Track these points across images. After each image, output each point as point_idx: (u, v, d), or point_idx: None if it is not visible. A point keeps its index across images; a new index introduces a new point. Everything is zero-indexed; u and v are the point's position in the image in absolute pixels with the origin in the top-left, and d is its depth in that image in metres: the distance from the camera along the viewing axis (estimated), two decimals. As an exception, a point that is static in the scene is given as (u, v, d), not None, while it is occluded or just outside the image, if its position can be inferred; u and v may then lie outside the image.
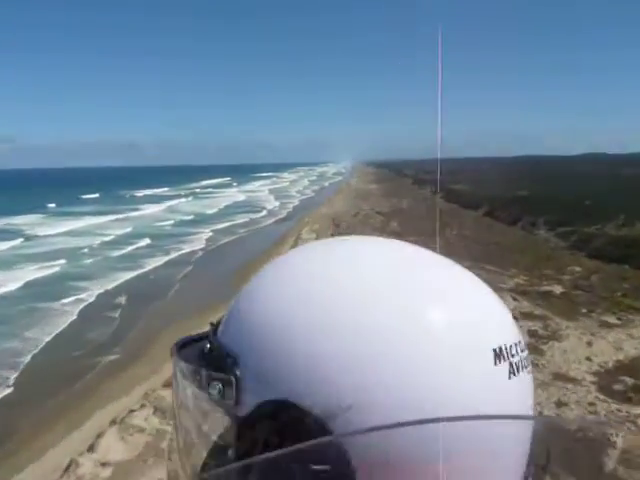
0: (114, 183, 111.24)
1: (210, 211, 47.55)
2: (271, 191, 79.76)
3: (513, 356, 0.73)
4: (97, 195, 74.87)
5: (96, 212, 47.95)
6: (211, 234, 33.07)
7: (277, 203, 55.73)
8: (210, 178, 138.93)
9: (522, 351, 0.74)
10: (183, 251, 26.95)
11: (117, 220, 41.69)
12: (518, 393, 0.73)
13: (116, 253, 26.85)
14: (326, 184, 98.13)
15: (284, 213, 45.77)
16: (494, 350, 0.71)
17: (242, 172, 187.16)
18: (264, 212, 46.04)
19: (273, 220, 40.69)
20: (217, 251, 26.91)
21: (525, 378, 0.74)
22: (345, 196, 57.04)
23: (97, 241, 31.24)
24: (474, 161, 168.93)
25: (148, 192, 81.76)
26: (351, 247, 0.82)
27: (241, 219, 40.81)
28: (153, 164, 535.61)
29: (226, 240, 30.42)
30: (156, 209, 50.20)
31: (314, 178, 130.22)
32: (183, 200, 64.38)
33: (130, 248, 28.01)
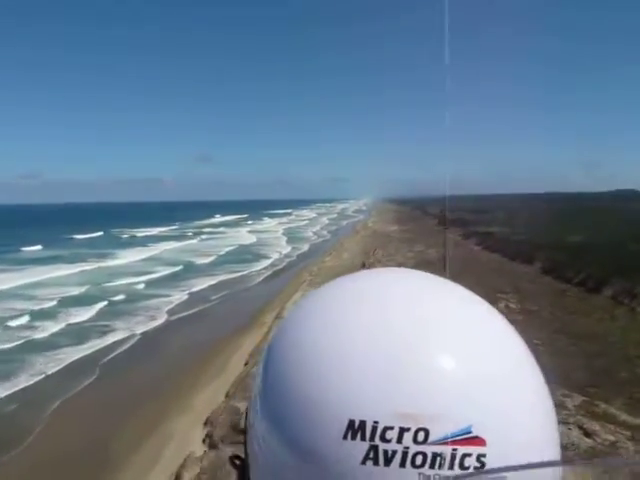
0: (124, 220, 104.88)
1: (203, 260, 39.48)
2: (286, 231, 72.29)
3: (387, 441, 0.62)
4: (94, 235, 68.15)
5: (70, 259, 40.31)
6: (181, 299, 24.93)
7: (288, 249, 47.87)
8: (227, 214, 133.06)
9: (422, 442, 0.62)
10: (115, 338, 18.62)
11: (82, 272, 33.87)
12: None
13: (21, 335, 18.78)
14: (344, 223, 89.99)
15: (286, 262, 37.80)
16: (350, 421, 0.63)
17: (262, 208, 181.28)
18: (266, 262, 37.75)
19: (270, 272, 32.60)
20: (160, 338, 18.58)
21: (408, 478, 0.62)
22: (360, 241, 48.66)
23: (29, 307, 23.30)
24: (501, 198, 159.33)
25: (152, 231, 75.17)
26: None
27: (233, 273, 32.69)
28: (175, 199, 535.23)
29: (190, 312, 22.17)
30: (142, 255, 42.25)
31: (334, 216, 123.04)
32: (184, 243, 56.76)
33: (50, 328, 19.84)
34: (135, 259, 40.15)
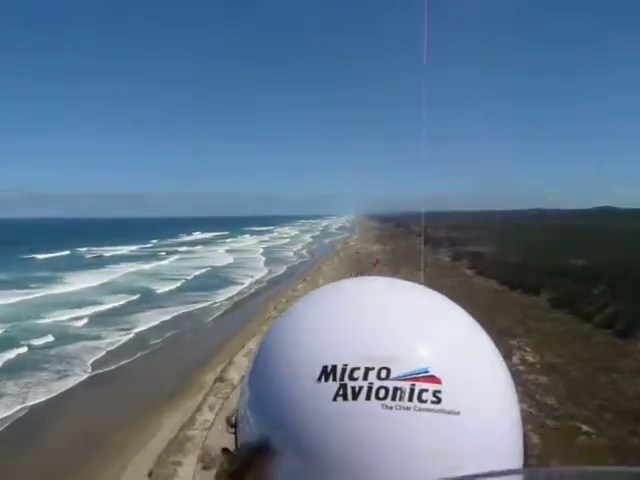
0: (99, 237, 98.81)
1: (165, 287, 34.29)
2: (266, 251, 67.47)
3: (354, 379, 0.70)
4: (58, 254, 62.62)
5: (11, 285, 34.86)
6: (116, 345, 19.84)
7: (262, 272, 43.18)
8: (208, 231, 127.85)
9: (384, 379, 0.70)
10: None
11: (16, 304, 28.50)
12: (344, 419, 0.70)
13: None
14: (326, 241, 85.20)
15: (255, 289, 33.13)
16: (324, 367, 0.71)
17: (246, 224, 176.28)
18: (233, 290, 32.69)
19: (232, 304, 27.62)
20: (47, 418, 13.26)
21: (373, 409, 0.69)
22: (339, 264, 43.92)
23: None
24: (482, 215, 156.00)
25: (122, 250, 69.96)
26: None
27: (193, 304, 27.72)
28: (159, 215, 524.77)
29: (114, 367, 17.10)
30: (98, 281, 36.88)
31: (317, 233, 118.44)
32: (152, 264, 51.43)
33: None
34: (88, 285, 34.79)
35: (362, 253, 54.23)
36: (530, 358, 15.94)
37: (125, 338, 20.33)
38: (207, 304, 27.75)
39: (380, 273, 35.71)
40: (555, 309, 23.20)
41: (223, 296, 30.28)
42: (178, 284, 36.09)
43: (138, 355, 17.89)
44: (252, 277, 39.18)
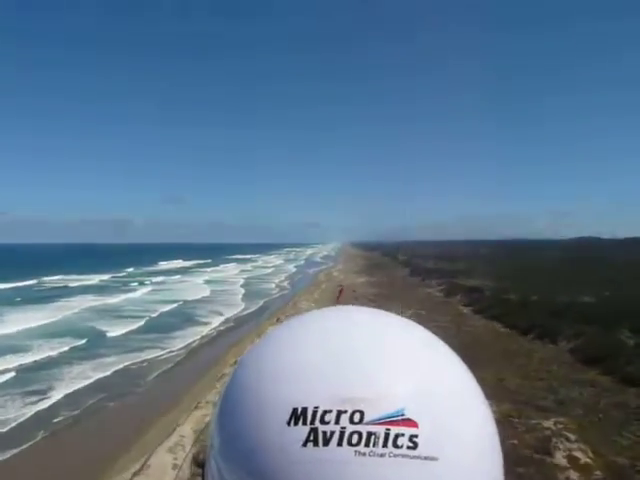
0: (74, 264, 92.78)
1: (121, 329, 29.02)
2: (246, 282, 62.64)
3: (326, 423, 0.65)
4: (21, 284, 57.27)
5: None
6: (15, 422, 14.50)
7: (236, 309, 38.39)
8: (190, 259, 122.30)
9: (358, 423, 0.65)
10: None
11: None
12: (315, 467, 0.65)
13: None
14: (310, 271, 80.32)
15: (224, 328, 28.24)
16: (294, 409, 0.66)
17: (231, 252, 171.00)
18: (195, 334, 27.50)
19: (186, 354, 22.64)
20: None
21: (345, 455, 0.64)
22: (319, 298, 39.09)
23: None
24: (471, 244, 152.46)
25: (92, 280, 64.44)
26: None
27: (144, 353, 22.56)
28: (144, 241, 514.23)
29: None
30: (45, 320, 31.50)
31: (302, 262, 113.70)
32: (118, 298, 46.05)
33: None
34: (27, 326, 29.35)
35: (345, 286, 49.47)
36: (581, 455, 11.18)
37: (31, 411, 15.10)
38: (159, 353, 22.59)
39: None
40: (583, 365, 18.49)
41: (181, 341, 25.13)
42: (138, 324, 30.85)
43: (30, 443, 12.72)
44: (222, 315, 34.10)
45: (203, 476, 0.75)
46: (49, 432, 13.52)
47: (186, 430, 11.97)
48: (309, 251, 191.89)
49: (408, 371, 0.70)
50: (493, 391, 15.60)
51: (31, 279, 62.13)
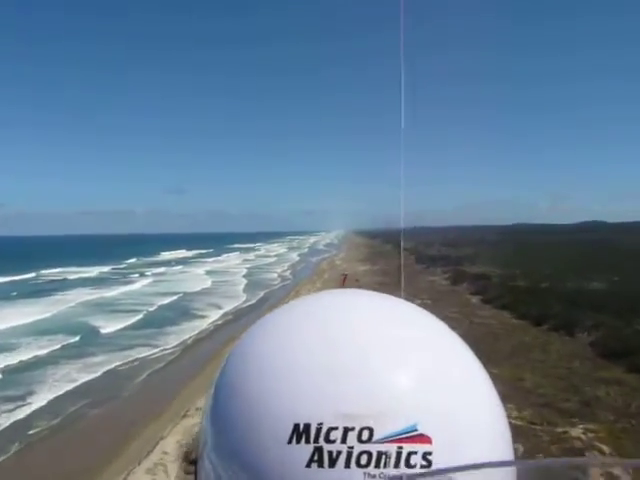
0: (73, 256, 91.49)
1: (116, 325, 27.77)
2: (249, 272, 61.47)
3: (331, 441, 0.59)
4: (19, 277, 56.07)
5: None
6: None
7: (237, 301, 37.13)
8: (193, 248, 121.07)
9: (367, 441, 0.59)
10: None
11: None
12: None
13: None
14: (313, 259, 79.02)
15: (221, 322, 27.10)
16: (295, 426, 0.60)
17: (233, 241, 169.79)
18: (191, 330, 26.19)
19: (189, 345, 21.49)
20: None
21: (354, 478, 0.59)
22: (322, 286, 37.55)
23: None
24: (474, 230, 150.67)
25: (92, 272, 63.36)
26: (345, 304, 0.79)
27: (136, 351, 21.26)
28: (147, 232, 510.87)
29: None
30: (37, 315, 30.23)
31: (305, 250, 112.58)
32: (116, 291, 44.80)
33: None
34: (19, 322, 27.99)
35: (348, 274, 48.00)
36: (621, 473, 9.79)
37: (7, 421, 13.73)
38: (152, 351, 21.25)
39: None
40: (606, 360, 17.04)
41: (176, 338, 23.79)
42: (134, 319, 29.54)
43: (2, 459, 11.35)
44: (221, 308, 32.77)
45: (196, 474, 0.70)
46: (24, 444, 12.18)
47: (170, 445, 10.63)
48: (312, 239, 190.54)
49: (420, 376, 0.64)
50: (512, 392, 14.20)
51: (30, 272, 60.99)
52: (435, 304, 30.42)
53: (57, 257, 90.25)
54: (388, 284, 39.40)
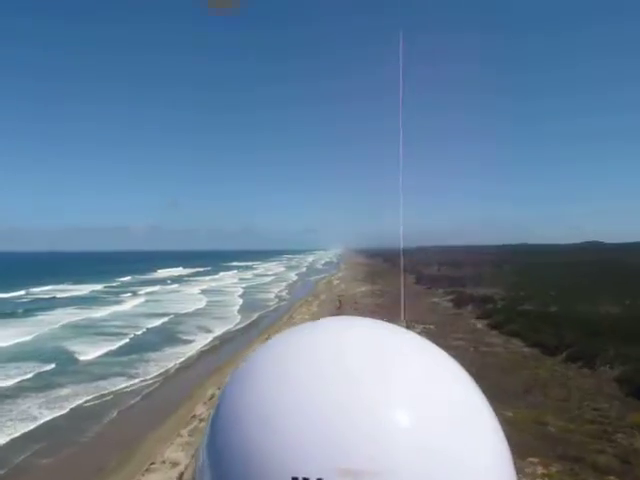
0: (68, 273, 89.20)
1: (96, 351, 25.69)
2: (245, 292, 59.42)
3: None
4: (7, 295, 53.68)
5: None
6: None
7: (232, 322, 35.28)
8: (190, 266, 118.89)
9: None
10: None
11: None
12: None
13: None
14: (311, 279, 76.97)
15: (208, 348, 24.95)
16: (293, 479, 0.56)
17: (231, 259, 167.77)
18: (175, 358, 24.03)
19: (170, 375, 19.16)
20: None
21: None
22: (317, 312, 35.66)
23: None
24: (465, 250, 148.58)
25: (83, 290, 61.38)
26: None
27: (113, 383, 19.07)
28: (145, 249, 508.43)
29: None
30: (10, 340, 27.95)
31: (303, 270, 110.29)
32: (106, 311, 42.76)
33: None
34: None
35: (346, 296, 45.89)
36: None
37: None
38: (129, 383, 19.08)
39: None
40: (637, 399, 14.92)
41: (158, 368, 21.61)
42: (117, 344, 27.37)
43: None
44: (211, 332, 30.62)
45: None
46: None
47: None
48: (310, 258, 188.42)
49: (427, 424, 0.58)
50: (534, 441, 12.13)
51: (20, 290, 58.88)
52: (439, 330, 28.35)
53: (51, 274, 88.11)
54: (388, 307, 37.29)
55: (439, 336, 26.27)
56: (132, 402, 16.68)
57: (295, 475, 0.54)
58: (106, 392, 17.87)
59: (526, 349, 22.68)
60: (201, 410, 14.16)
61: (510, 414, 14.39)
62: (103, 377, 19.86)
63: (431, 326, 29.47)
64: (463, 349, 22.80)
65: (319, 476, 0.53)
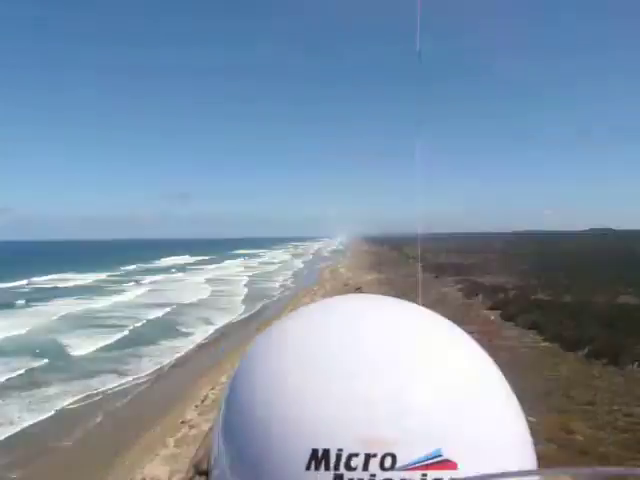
0: (72, 262, 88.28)
1: (93, 345, 24.44)
2: (250, 281, 58.25)
3: (352, 469, 0.55)
4: (9, 285, 52.92)
5: None
6: None
7: (235, 313, 34.42)
8: (197, 254, 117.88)
9: (389, 469, 0.55)
10: None
11: None
12: None
13: None
14: (317, 266, 75.80)
15: (207, 341, 23.81)
16: (313, 451, 0.56)
17: (238, 246, 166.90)
18: (176, 350, 22.85)
19: (164, 373, 18.02)
20: None
21: None
22: (324, 297, 34.02)
23: None
24: (472, 237, 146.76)
25: (87, 279, 60.66)
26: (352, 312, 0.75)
27: (104, 381, 17.84)
28: (153, 237, 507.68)
29: None
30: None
31: (309, 257, 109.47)
32: (107, 302, 41.79)
33: None
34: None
35: (352, 285, 44.41)
36: None
37: None
38: (120, 382, 17.77)
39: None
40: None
41: (153, 363, 20.34)
42: (115, 337, 26.14)
43: None
44: (213, 324, 29.36)
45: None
46: None
47: None
48: (316, 245, 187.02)
49: (441, 395, 0.60)
50: (561, 453, 10.71)
51: (21, 279, 57.96)
52: (449, 319, 26.87)
53: (56, 263, 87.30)
54: (396, 296, 35.91)
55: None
56: (119, 404, 15.38)
57: (315, 446, 0.55)
58: (94, 392, 16.58)
59: (544, 343, 21.17)
60: (192, 415, 12.82)
61: (533, 419, 12.98)
62: (94, 375, 18.59)
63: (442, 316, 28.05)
64: (478, 341, 21.34)
65: (340, 447, 0.54)
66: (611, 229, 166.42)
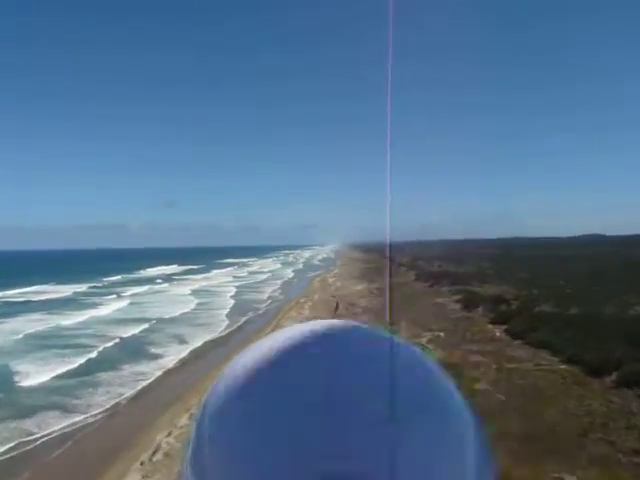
0: (57, 272, 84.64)
1: (48, 374, 21.36)
2: (238, 291, 55.25)
3: None
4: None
5: None
6: None
7: (217, 329, 31.87)
8: (186, 263, 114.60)
9: None
10: None
11: None
12: None
13: None
14: (307, 275, 73.09)
15: (179, 365, 20.39)
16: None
17: (227, 255, 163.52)
18: (142, 379, 19.76)
19: (120, 408, 15.04)
20: None
21: None
22: (310, 314, 31.51)
23: None
24: (462, 244, 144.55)
25: (65, 292, 57.04)
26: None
27: (42, 424, 14.63)
28: (141, 246, 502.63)
29: None
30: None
31: (300, 267, 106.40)
32: (79, 318, 38.63)
33: None
34: None
35: (340, 295, 41.57)
36: None
37: None
38: (64, 423, 14.59)
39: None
40: None
41: (110, 396, 17.18)
42: (78, 362, 22.91)
43: None
44: (189, 344, 26.27)
45: None
46: None
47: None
48: (307, 253, 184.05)
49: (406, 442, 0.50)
50: None
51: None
52: (450, 338, 24.01)
53: (37, 273, 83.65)
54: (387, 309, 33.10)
55: (451, 346, 21.97)
56: (54, 454, 12.21)
57: None
58: (28, 439, 13.36)
59: (562, 366, 18.27)
60: (136, 477, 9.81)
61: (568, 479, 10.11)
62: (34, 413, 15.35)
63: (440, 333, 25.17)
64: (485, 367, 18.44)
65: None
66: (603, 235, 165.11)
